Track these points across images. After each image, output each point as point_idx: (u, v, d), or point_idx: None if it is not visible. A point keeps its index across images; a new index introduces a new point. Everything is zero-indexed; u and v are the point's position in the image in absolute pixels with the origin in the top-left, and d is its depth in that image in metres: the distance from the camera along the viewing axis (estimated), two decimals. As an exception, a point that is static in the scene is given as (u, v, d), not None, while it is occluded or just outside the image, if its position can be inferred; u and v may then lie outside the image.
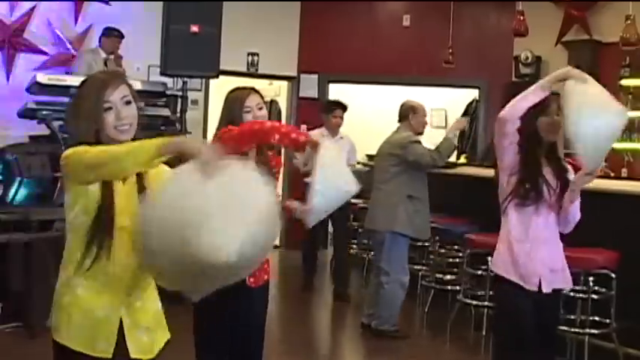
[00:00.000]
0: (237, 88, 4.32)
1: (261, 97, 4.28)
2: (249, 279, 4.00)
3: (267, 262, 4.12)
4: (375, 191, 7.23)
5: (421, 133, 7.14)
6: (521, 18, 9.63)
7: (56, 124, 7.68)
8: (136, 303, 2.96)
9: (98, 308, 2.88)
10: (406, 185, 6.97)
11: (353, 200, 10.36)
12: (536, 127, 4.12)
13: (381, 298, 7.03)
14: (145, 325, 2.97)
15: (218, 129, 4.20)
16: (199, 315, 4.09)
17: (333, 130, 8.83)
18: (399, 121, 7.18)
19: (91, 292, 2.88)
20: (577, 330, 6.19)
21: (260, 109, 4.17)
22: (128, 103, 2.94)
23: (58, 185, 7.62)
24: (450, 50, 10.89)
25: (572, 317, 6.27)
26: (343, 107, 8.94)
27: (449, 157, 7.12)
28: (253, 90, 4.26)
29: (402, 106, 7.22)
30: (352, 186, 3.72)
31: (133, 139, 2.91)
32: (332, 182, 3.63)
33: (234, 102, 4.18)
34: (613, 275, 6.01)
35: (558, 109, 4.12)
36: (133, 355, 2.92)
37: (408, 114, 7.12)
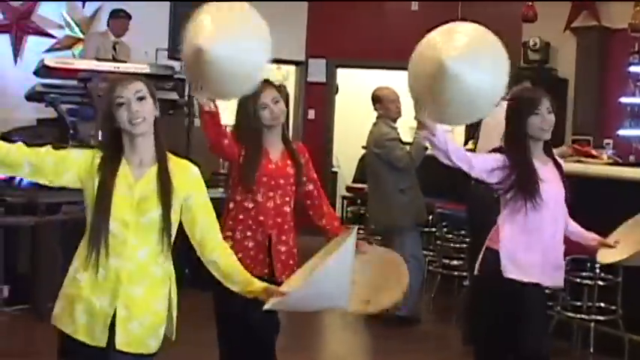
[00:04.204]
0: None
1: (276, 87, 4.21)
2: (281, 275, 4.02)
3: (294, 258, 4.14)
4: (371, 189, 7.34)
5: (397, 118, 7.14)
6: (530, 4, 9.61)
7: (63, 107, 7.69)
8: (137, 296, 3.01)
9: (95, 300, 2.99)
10: (396, 181, 7.01)
11: (359, 185, 10.43)
12: (525, 127, 4.08)
13: None
14: (140, 319, 3.02)
15: (236, 127, 4.17)
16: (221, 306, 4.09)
17: None
18: (375, 110, 7.22)
19: (91, 284, 3.00)
20: (583, 316, 6.19)
21: (276, 102, 4.11)
22: (141, 98, 3.04)
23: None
24: (459, 35, 10.86)
25: (579, 304, 6.27)
26: None
27: (421, 158, 6.96)
28: (266, 83, 4.13)
29: (371, 96, 7.24)
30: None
31: (157, 142, 3.11)
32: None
33: (248, 100, 4.10)
34: (620, 262, 6.01)
35: (550, 107, 4.08)
36: (117, 347, 2.99)
37: (375, 105, 7.16)
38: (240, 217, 4.10)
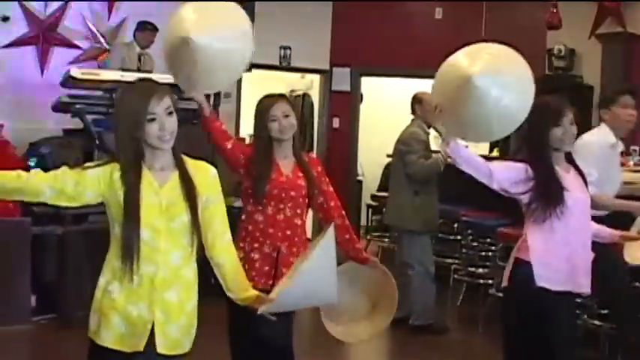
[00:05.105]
0: (265, 97, 4.32)
1: (289, 102, 4.30)
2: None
3: None
4: (390, 187, 7.44)
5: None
6: (555, 10, 9.57)
7: (90, 117, 7.74)
8: (172, 300, 3.05)
9: (132, 308, 3.01)
10: (412, 181, 7.01)
11: (384, 194, 10.43)
12: (547, 139, 4.06)
13: (412, 292, 7.05)
14: (177, 322, 3.06)
15: (254, 137, 4.26)
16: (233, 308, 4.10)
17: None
18: (412, 113, 7.23)
19: (125, 293, 3.02)
20: (611, 325, 6.15)
21: (286, 116, 4.18)
22: (170, 113, 3.04)
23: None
24: (483, 43, 10.82)
25: (606, 312, 6.23)
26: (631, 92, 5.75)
27: (427, 175, 7.03)
28: (280, 97, 4.29)
29: (412, 98, 7.26)
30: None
31: (173, 148, 3.11)
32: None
33: (261, 112, 4.23)
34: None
35: (573, 119, 4.06)
36: (159, 350, 3.02)
37: (415, 106, 7.16)
38: (250, 228, 4.18)
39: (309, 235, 4.53)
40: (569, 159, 4.17)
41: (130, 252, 2.97)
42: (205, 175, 3.19)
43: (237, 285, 3.24)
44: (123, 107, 3.06)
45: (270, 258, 4.13)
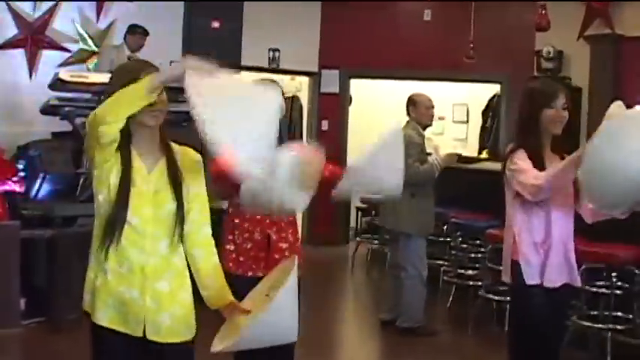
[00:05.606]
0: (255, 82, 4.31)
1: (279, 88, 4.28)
2: None
3: (298, 253, 4.09)
4: None
5: (428, 126, 7.14)
6: (543, 12, 9.59)
7: (78, 120, 7.73)
8: (164, 290, 3.05)
9: (124, 290, 3.01)
10: (409, 184, 6.97)
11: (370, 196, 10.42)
12: (538, 119, 4.02)
13: (403, 295, 7.04)
14: (170, 311, 3.06)
15: None
16: None
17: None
18: (407, 115, 7.20)
19: (116, 275, 3.01)
20: (600, 326, 6.16)
21: None
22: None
23: (81, 181, 7.68)
24: (472, 45, 10.84)
25: (595, 313, 6.24)
26: None
27: (422, 180, 6.89)
28: (270, 82, 4.24)
29: (407, 100, 7.23)
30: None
31: (161, 133, 3.11)
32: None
33: None
34: (637, 271, 5.98)
35: (566, 104, 4.03)
36: (148, 336, 3.03)
37: (408, 108, 7.14)
38: (237, 221, 4.22)
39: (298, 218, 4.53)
40: (556, 147, 4.10)
41: (112, 230, 2.96)
42: (191, 161, 3.18)
43: (213, 282, 3.20)
44: (113, 86, 3.01)
45: (262, 244, 4.19)
